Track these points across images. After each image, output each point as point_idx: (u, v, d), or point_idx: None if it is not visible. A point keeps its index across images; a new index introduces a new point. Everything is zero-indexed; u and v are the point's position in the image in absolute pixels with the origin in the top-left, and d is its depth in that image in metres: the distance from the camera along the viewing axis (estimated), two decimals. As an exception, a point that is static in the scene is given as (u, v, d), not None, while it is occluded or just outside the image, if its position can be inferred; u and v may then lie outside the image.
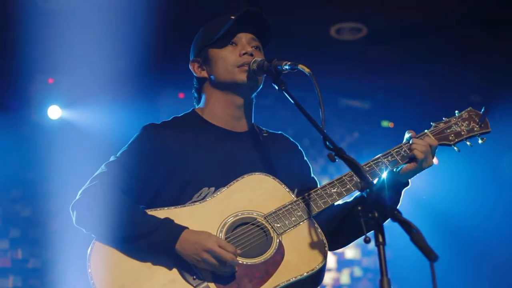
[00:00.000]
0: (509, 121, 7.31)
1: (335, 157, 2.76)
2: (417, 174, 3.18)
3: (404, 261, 6.10)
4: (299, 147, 3.51)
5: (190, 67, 3.42)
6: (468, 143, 3.32)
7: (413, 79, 7.52)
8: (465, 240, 7.75)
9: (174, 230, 2.93)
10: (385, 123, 8.33)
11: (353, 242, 3.35)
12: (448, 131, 3.30)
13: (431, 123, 3.33)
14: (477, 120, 3.35)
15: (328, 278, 8.01)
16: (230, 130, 3.32)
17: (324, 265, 2.97)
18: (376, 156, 3.19)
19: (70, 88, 6.85)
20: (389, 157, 3.17)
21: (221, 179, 3.12)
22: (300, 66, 2.94)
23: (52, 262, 6.74)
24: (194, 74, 3.41)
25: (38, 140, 6.69)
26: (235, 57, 3.25)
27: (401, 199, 3.19)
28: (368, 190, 2.43)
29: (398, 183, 3.17)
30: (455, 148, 3.30)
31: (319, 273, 2.96)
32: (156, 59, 6.55)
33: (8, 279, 6.69)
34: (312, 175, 3.43)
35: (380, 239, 2.27)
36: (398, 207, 3.08)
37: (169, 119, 3.38)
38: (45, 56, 6.21)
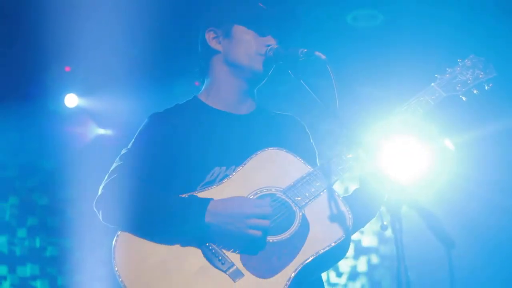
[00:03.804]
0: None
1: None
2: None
3: (421, 249, 6.07)
4: (306, 129, 3.49)
5: (206, 36, 3.36)
6: (474, 91, 3.31)
7: (428, 67, 7.46)
8: (483, 230, 7.69)
9: (200, 202, 2.91)
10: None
11: (370, 230, 3.33)
12: (454, 81, 3.31)
13: (436, 75, 3.34)
14: (481, 66, 3.34)
15: (345, 265, 7.99)
16: (234, 113, 3.32)
17: (350, 233, 2.92)
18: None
19: (86, 76, 6.86)
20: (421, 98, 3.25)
21: (231, 158, 3.12)
22: (316, 53, 2.93)
23: (70, 250, 6.79)
24: (207, 43, 3.36)
25: (55, 128, 6.72)
26: (259, 45, 3.23)
27: None
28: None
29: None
30: (462, 97, 3.30)
31: (346, 242, 2.92)
32: (172, 46, 6.55)
33: (26, 267, 6.73)
34: (316, 159, 3.38)
35: (397, 227, 2.27)
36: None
37: (172, 106, 3.38)
38: (61, 45, 6.22)
